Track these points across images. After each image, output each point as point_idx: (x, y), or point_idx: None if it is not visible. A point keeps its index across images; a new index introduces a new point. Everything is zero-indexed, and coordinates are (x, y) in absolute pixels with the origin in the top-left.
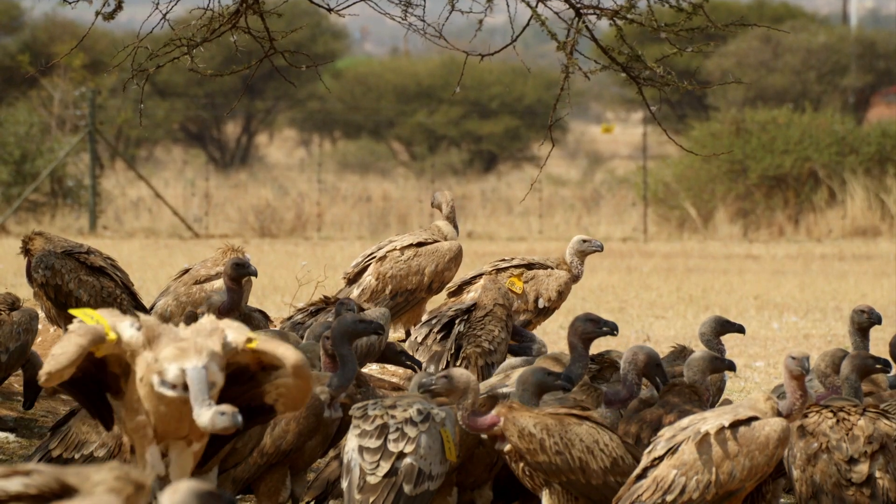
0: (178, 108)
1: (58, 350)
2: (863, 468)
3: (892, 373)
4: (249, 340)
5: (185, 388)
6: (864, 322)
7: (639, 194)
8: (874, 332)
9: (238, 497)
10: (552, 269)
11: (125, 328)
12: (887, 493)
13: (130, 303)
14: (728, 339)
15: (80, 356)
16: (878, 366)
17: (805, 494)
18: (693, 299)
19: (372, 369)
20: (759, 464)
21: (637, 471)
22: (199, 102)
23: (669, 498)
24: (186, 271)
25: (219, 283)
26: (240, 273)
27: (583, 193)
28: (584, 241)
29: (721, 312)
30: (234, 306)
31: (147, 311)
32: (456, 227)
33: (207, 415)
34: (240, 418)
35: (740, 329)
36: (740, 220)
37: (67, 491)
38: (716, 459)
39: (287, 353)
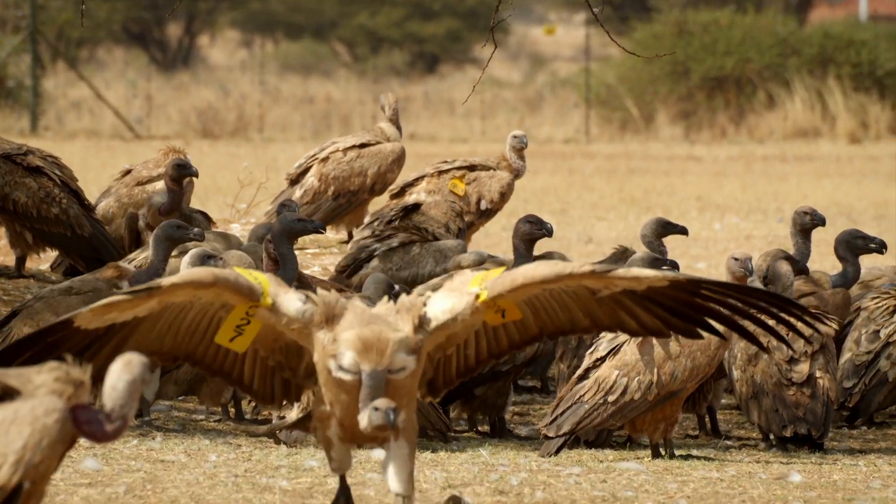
0: (119, 8)
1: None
2: (803, 368)
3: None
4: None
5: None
6: (808, 223)
7: (581, 96)
8: (815, 234)
9: (180, 398)
10: (494, 170)
11: (291, 300)
12: (827, 393)
13: (72, 201)
14: (670, 241)
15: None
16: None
17: (745, 394)
18: (635, 200)
19: (314, 270)
20: (701, 364)
21: (579, 371)
22: (141, 3)
23: (611, 398)
24: (128, 172)
25: (160, 185)
26: (181, 174)
27: (525, 95)
28: (514, 136)
29: (663, 214)
30: (175, 207)
31: (91, 211)
32: (399, 128)
33: (364, 416)
34: (392, 417)
35: (682, 230)
36: (682, 121)
37: (8, 393)
38: (658, 360)
39: None
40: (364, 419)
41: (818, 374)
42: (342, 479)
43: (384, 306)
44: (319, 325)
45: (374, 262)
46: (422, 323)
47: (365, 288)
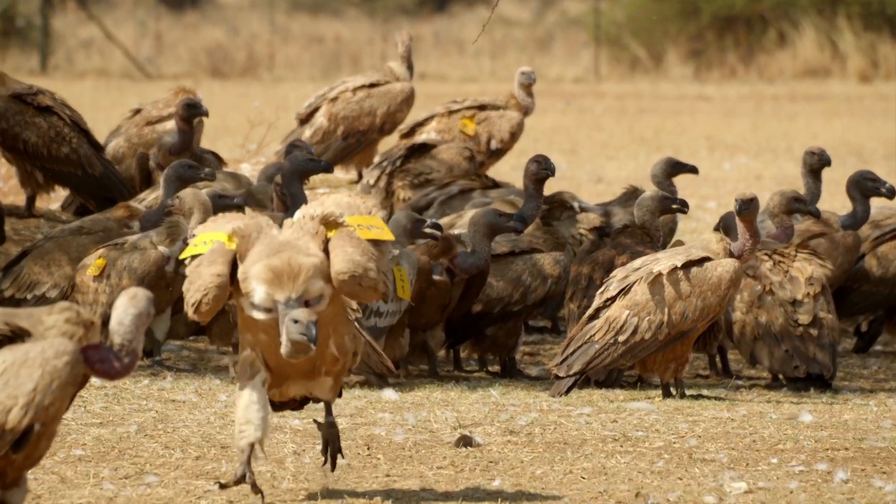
0: None
1: (196, 285)
2: (808, 309)
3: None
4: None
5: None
6: (816, 163)
7: (591, 35)
8: (826, 173)
9: (191, 338)
10: (504, 109)
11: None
12: (832, 333)
13: (82, 141)
14: (680, 181)
15: (223, 286)
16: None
17: (749, 336)
18: (645, 140)
19: None
20: (712, 304)
21: (590, 311)
22: None
23: (622, 338)
24: (138, 112)
25: (170, 124)
26: (191, 113)
27: (535, 34)
28: (522, 72)
29: (673, 153)
30: (186, 147)
31: (101, 150)
32: (411, 67)
33: (284, 341)
34: (313, 331)
35: (692, 169)
36: (692, 60)
37: (19, 335)
38: (668, 300)
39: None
40: (284, 345)
41: (821, 314)
42: (249, 455)
43: (290, 230)
44: (240, 258)
45: (433, 210)
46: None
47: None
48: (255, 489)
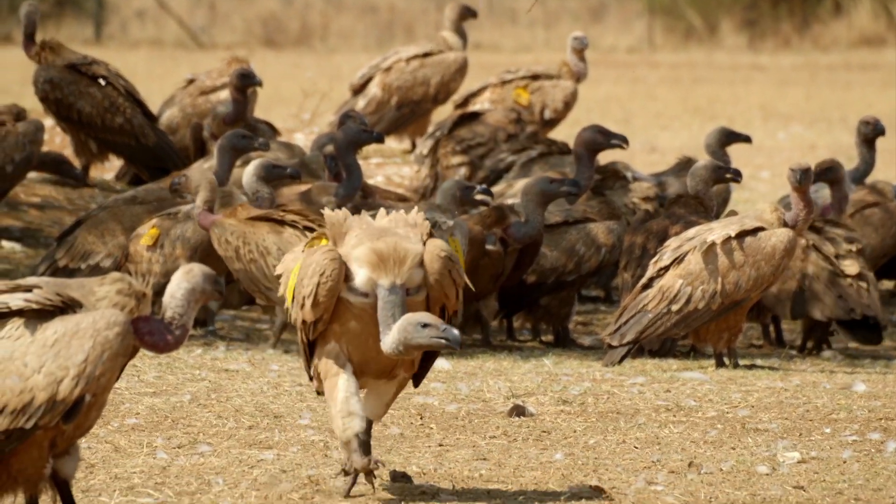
0: None
1: (310, 270)
2: (854, 261)
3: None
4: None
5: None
6: (870, 133)
7: (645, 4)
8: (880, 143)
9: (244, 307)
10: (557, 79)
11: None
12: (876, 289)
13: (136, 111)
14: (733, 150)
15: (340, 261)
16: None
17: (793, 287)
18: (699, 110)
19: (377, 180)
20: (765, 274)
21: (643, 280)
22: None
23: (675, 307)
24: (192, 82)
25: (224, 94)
26: (245, 83)
27: (588, 4)
28: (575, 38)
29: (727, 123)
30: (240, 117)
31: (155, 121)
32: (465, 37)
33: (389, 339)
34: (455, 332)
35: (746, 139)
36: (746, 30)
37: (70, 305)
38: (722, 269)
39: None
40: (390, 342)
41: (865, 271)
42: (358, 445)
43: (387, 219)
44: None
45: (513, 174)
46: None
47: (437, 196)
48: (371, 477)
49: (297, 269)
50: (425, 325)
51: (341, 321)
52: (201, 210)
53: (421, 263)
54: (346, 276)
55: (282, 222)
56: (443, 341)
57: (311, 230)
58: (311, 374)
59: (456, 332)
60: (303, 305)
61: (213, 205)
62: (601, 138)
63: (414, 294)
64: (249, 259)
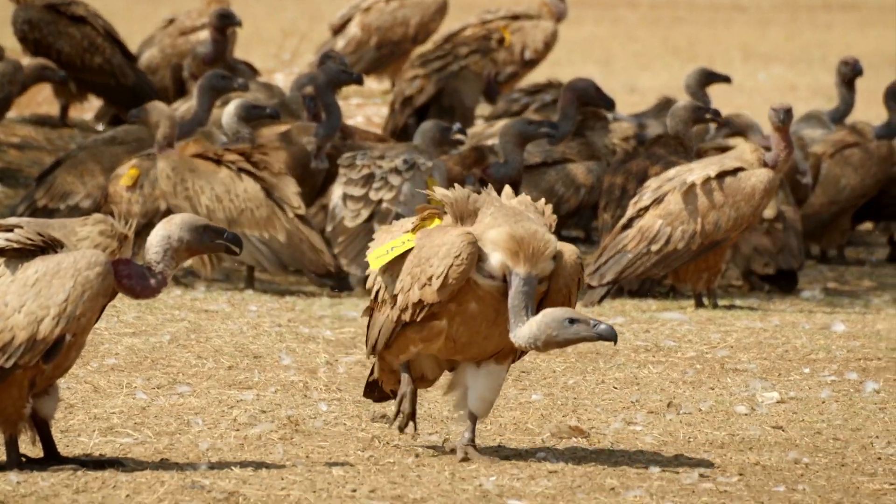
0: None
1: (441, 252)
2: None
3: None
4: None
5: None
6: (849, 73)
7: None
8: (861, 83)
9: None
10: (538, 19)
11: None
12: (794, 224)
13: (115, 51)
14: (714, 90)
15: (475, 243)
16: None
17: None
18: (679, 50)
19: (357, 120)
20: (745, 214)
21: (623, 221)
22: None
23: (654, 247)
24: (171, 22)
25: (204, 35)
26: (224, 23)
27: None
28: None
29: (707, 63)
30: (219, 57)
31: (134, 61)
32: None
33: (525, 332)
34: (607, 326)
35: (726, 79)
36: None
37: (52, 245)
38: (701, 210)
39: None
40: (526, 336)
41: (783, 207)
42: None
43: (516, 200)
44: (454, 223)
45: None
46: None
47: (416, 137)
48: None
49: (392, 247)
50: (573, 321)
51: (459, 300)
52: (161, 145)
53: (554, 257)
54: (479, 256)
55: (219, 162)
56: (596, 337)
57: (249, 173)
58: (378, 350)
59: (608, 325)
60: (424, 285)
61: (172, 140)
62: (593, 93)
63: (541, 285)
64: (185, 196)
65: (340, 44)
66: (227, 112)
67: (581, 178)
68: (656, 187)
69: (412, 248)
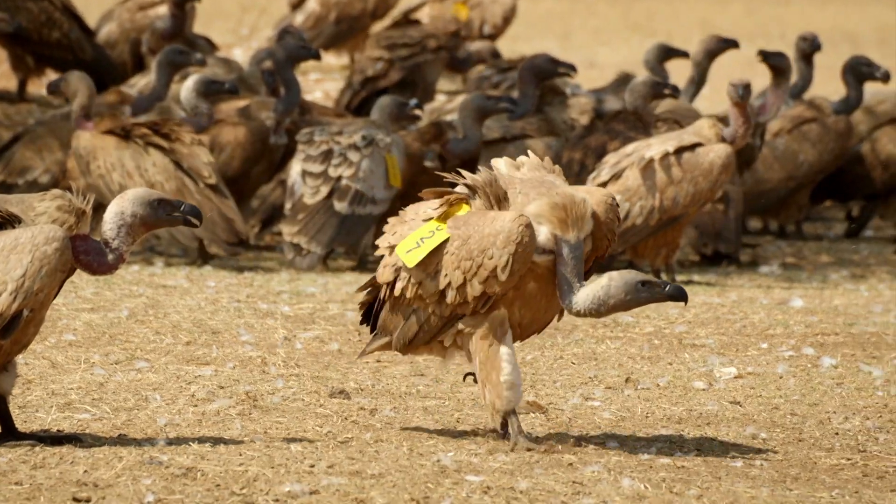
0: None
1: (499, 241)
2: None
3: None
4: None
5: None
6: (807, 49)
7: None
8: (819, 59)
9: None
10: None
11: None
12: (737, 206)
13: (73, 25)
14: (672, 66)
15: (532, 225)
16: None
17: None
18: (638, 25)
19: (316, 96)
20: (703, 189)
21: None
22: None
23: None
24: None
25: (163, 9)
26: None
27: None
28: None
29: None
30: (177, 32)
31: (93, 35)
32: None
33: (585, 298)
34: (678, 287)
35: (685, 54)
36: None
37: (9, 220)
38: (660, 185)
39: None
40: (585, 302)
41: (728, 186)
42: (516, 418)
43: (525, 166)
44: (487, 207)
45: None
46: None
47: (373, 112)
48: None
49: (422, 238)
50: (645, 284)
51: (518, 284)
52: (78, 115)
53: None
54: None
55: (128, 137)
56: (667, 298)
57: (159, 147)
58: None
59: (678, 286)
60: (487, 278)
61: (89, 110)
62: (550, 66)
63: (585, 246)
64: (98, 175)
65: (299, 19)
66: (186, 87)
67: (539, 154)
68: (614, 163)
69: (446, 238)
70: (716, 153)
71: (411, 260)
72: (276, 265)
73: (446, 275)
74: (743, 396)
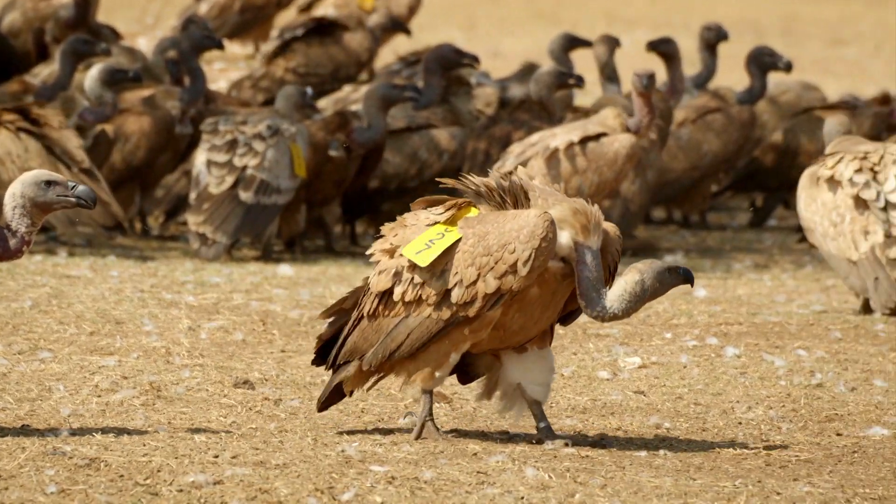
0: None
1: (522, 235)
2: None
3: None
4: None
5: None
6: (713, 38)
7: None
8: (722, 49)
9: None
10: None
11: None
12: (632, 198)
13: None
14: (577, 56)
15: (553, 220)
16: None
17: None
18: (543, 15)
19: (220, 85)
20: (608, 179)
21: None
22: None
23: None
24: None
25: None
26: None
27: None
28: None
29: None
30: (82, 20)
31: None
32: None
33: (615, 300)
34: (684, 267)
35: (589, 44)
36: None
37: None
38: (564, 175)
39: None
40: (618, 304)
41: (626, 183)
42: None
43: (537, 179)
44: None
45: None
46: None
47: (277, 102)
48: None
49: (431, 240)
50: (669, 270)
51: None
52: None
53: None
54: None
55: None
56: (683, 282)
57: (30, 132)
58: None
59: (689, 269)
60: (505, 274)
61: None
62: (454, 56)
63: None
64: None
65: (204, 8)
66: (90, 76)
67: (444, 144)
68: (519, 152)
69: (458, 239)
70: (620, 143)
71: (424, 260)
72: (181, 255)
73: (457, 272)
74: (647, 386)
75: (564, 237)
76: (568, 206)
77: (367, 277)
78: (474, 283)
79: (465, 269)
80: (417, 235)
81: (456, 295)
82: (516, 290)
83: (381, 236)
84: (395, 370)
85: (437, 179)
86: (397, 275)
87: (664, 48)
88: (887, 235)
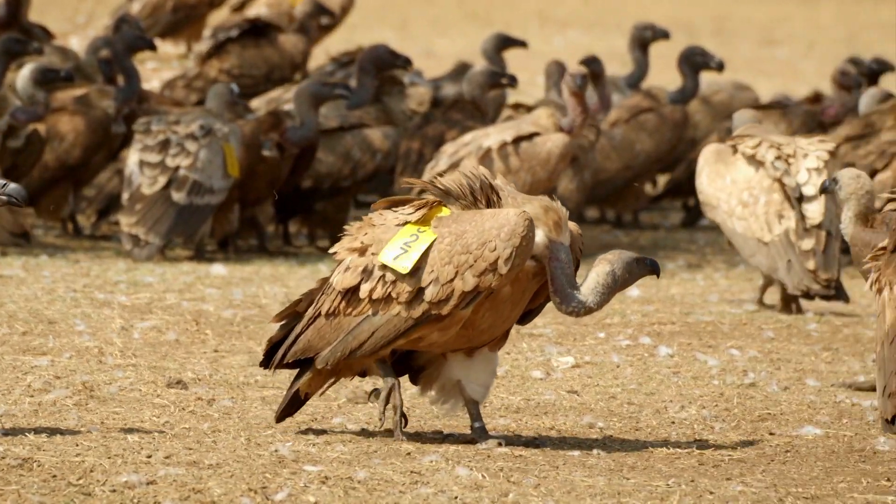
0: None
1: (503, 233)
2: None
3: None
4: None
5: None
6: (649, 37)
7: None
8: (654, 49)
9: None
10: None
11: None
12: (570, 195)
13: None
14: (509, 56)
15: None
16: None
17: None
18: (476, 15)
19: (153, 84)
20: (541, 179)
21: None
22: None
23: None
24: None
25: None
26: None
27: None
28: None
29: (504, 28)
30: (13, 20)
31: None
32: None
33: (589, 294)
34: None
35: (522, 44)
36: None
37: None
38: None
39: None
40: (593, 298)
41: (564, 182)
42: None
43: (499, 178)
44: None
45: None
46: None
47: (208, 101)
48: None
49: (406, 242)
50: (637, 261)
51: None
52: None
53: None
54: None
55: None
56: (650, 272)
57: None
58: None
59: (654, 260)
60: (485, 272)
61: None
62: (388, 57)
63: None
64: None
65: (136, 7)
66: (22, 76)
67: (377, 143)
68: (452, 152)
69: (434, 239)
70: (553, 142)
71: (404, 267)
72: (113, 255)
73: (432, 270)
74: (580, 386)
75: (539, 235)
76: (539, 205)
77: (324, 279)
78: (451, 280)
79: (441, 266)
80: (388, 235)
81: (430, 293)
82: (494, 288)
83: (346, 235)
84: (353, 368)
85: (405, 180)
86: (366, 272)
87: (592, 67)
88: (804, 229)
